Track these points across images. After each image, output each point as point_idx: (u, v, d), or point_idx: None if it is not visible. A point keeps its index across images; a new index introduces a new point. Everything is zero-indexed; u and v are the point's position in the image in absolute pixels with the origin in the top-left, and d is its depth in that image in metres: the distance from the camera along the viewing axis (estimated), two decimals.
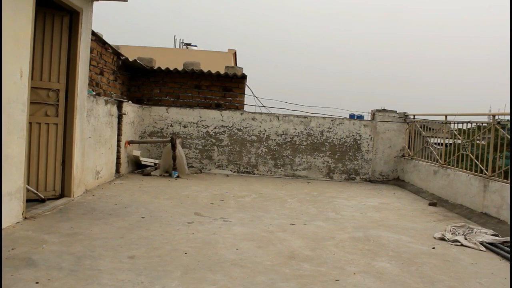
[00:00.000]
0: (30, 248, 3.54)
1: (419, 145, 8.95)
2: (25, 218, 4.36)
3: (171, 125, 9.26)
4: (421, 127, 8.88)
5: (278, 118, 9.44)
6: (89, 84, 6.16)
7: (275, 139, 9.41)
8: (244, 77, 9.65)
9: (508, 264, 4.07)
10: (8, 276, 2.94)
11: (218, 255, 3.73)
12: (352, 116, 9.84)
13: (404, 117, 9.59)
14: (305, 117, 9.49)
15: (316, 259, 3.82)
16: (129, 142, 8.18)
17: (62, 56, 5.25)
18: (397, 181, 9.31)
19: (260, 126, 9.37)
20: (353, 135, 9.51)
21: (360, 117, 9.87)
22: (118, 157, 7.62)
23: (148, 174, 8.17)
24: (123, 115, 7.67)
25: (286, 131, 9.42)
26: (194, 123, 9.29)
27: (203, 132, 9.31)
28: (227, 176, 8.97)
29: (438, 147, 8.34)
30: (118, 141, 7.60)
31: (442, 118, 7.96)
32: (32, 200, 4.94)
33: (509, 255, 4.22)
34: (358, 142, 9.52)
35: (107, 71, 7.97)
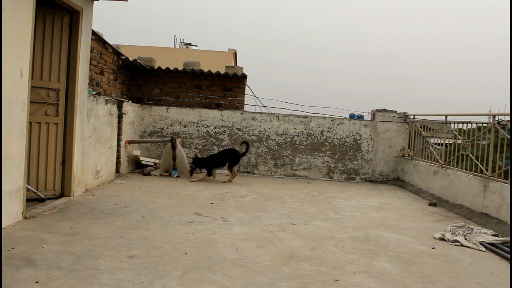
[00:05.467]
0: (30, 248, 3.54)
1: (419, 145, 8.95)
2: (25, 218, 4.36)
3: (171, 125, 9.26)
4: (421, 127, 8.88)
5: (278, 118, 9.44)
6: (89, 84, 6.16)
7: (275, 139, 9.40)
8: (244, 76, 9.65)
9: (508, 264, 4.07)
10: (8, 276, 2.94)
11: (218, 255, 3.73)
12: (352, 116, 9.83)
13: (404, 117, 9.59)
14: (305, 117, 9.49)
15: (316, 259, 3.82)
16: (129, 142, 8.18)
17: (62, 56, 5.25)
18: (397, 181, 9.31)
19: (260, 126, 9.37)
20: (353, 135, 9.50)
21: (360, 117, 9.87)
22: (118, 157, 7.63)
23: (148, 174, 8.17)
24: (123, 115, 7.67)
25: (286, 131, 9.42)
26: (194, 122, 9.29)
27: (203, 132, 9.31)
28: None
29: (438, 147, 8.34)
30: (118, 140, 7.60)
31: (442, 118, 7.96)
32: (32, 200, 4.94)
33: (509, 255, 4.22)
34: (358, 142, 9.51)
35: (107, 70, 7.97)
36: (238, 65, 19.55)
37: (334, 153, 9.48)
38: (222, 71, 9.67)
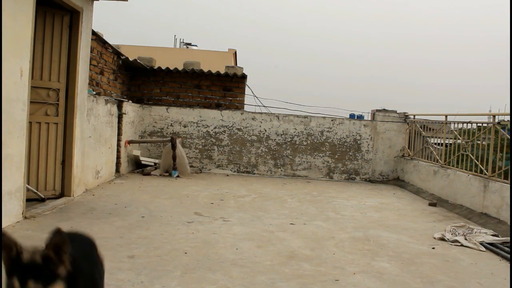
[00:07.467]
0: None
1: (419, 145, 8.95)
2: (25, 218, 4.36)
3: (171, 125, 9.26)
4: (421, 127, 8.88)
5: (278, 118, 9.43)
6: (89, 84, 6.15)
7: (275, 139, 9.40)
8: (244, 76, 9.65)
9: (508, 264, 4.07)
10: None
11: (218, 255, 3.73)
12: (352, 116, 9.83)
13: (404, 117, 9.59)
14: (305, 117, 9.49)
15: (316, 259, 3.82)
16: (129, 142, 8.18)
17: (63, 56, 5.25)
18: (397, 181, 9.31)
19: (260, 126, 9.37)
20: (353, 135, 9.50)
21: (360, 117, 9.87)
22: (118, 157, 7.62)
23: (148, 174, 8.17)
24: (123, 115, 7.67)
25: (286, 131, 9.42)
26: (194, 122, 9.29)
27: (203, 132, 9.30)
28: (227, 175, 8.97)
29: (438, 147, 8.34)
30: (118, 140, 7.60)
31: (442, 118, 7.96)
32: (32, 200, 4.94)
33: (509, 255, 4.22)
34: (358, 142, 9.51)
35: (107, 70, 7.97)
36: (238, 65, 19.55)
37: (334, 153, 9.48)
38: (222, 71, 9.67)
